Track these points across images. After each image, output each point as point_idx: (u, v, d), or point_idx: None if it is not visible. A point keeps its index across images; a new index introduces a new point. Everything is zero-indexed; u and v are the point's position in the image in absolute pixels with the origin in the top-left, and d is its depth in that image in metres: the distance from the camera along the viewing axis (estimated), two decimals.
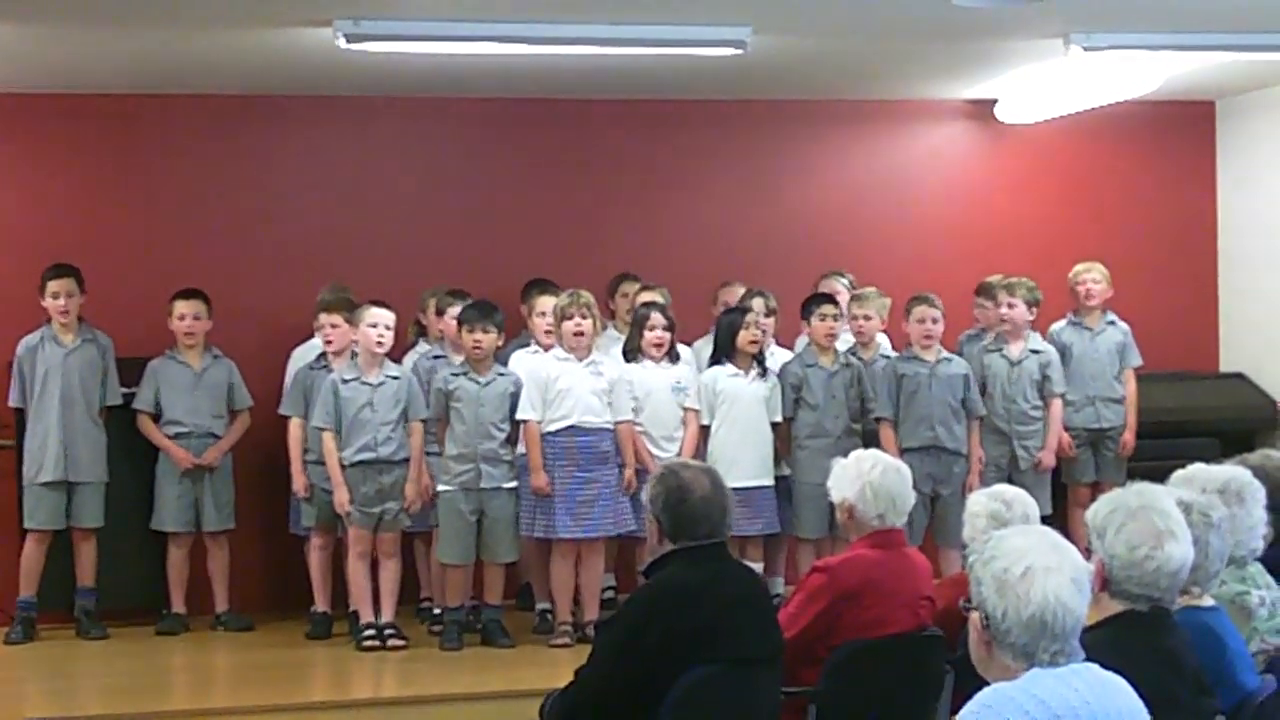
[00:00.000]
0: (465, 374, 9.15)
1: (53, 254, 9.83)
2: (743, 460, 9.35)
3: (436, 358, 9.79)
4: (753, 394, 9.55)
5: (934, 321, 9.73)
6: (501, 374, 9.20)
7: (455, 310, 9.65)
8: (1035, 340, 10.13)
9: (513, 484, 9.17)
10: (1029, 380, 10.02)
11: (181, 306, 9.83)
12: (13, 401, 9.73)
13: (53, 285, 9.65)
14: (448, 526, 9.14)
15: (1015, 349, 10.05)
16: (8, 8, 8.13)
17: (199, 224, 10.65)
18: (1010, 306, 10.01)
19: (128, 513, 9.84)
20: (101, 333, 9.80)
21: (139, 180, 10.62)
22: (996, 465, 9.84)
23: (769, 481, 9.55)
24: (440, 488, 9.16)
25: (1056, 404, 10.04)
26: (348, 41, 8.47)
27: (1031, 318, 10.07)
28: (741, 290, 10.21)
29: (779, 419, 9.61)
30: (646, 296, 9.83)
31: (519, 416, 9.16)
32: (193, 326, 9.83)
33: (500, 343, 9.27)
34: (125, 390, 9.84)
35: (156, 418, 9.83)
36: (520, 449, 9.24)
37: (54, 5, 8.18)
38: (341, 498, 9.14)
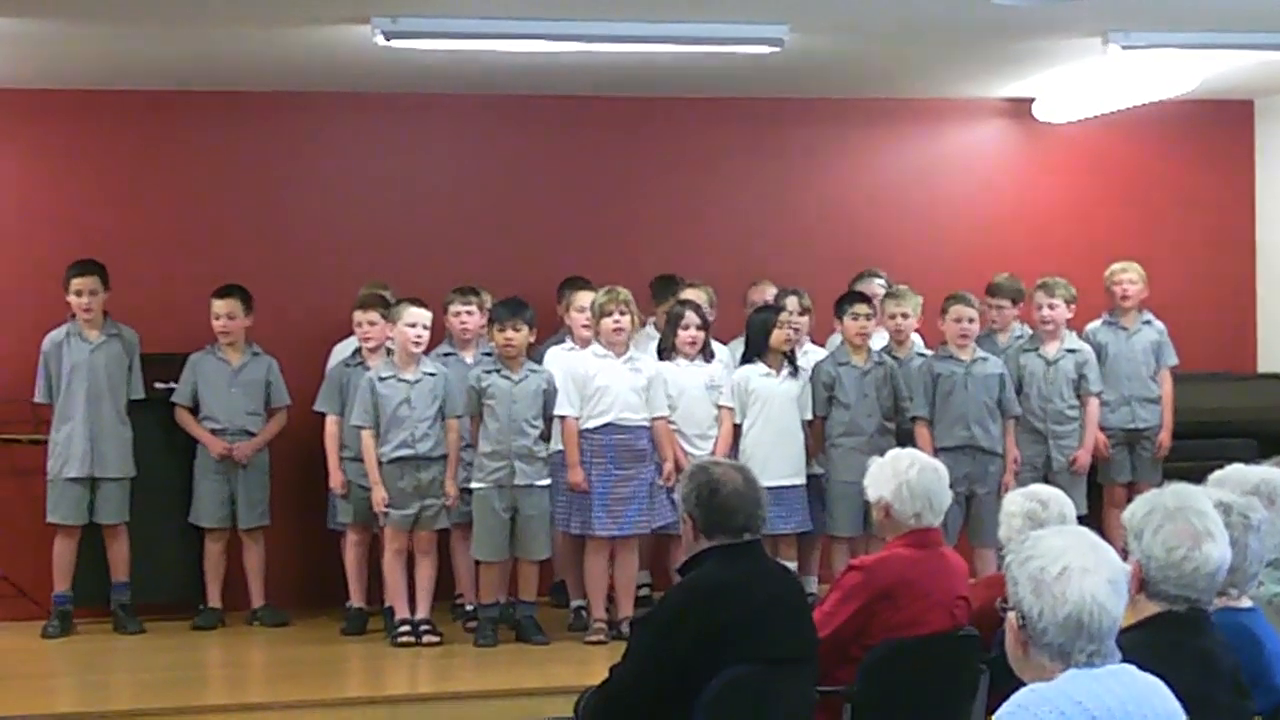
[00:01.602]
0: (497, 371, 9.15)
1: (90, 249, 9.87)
2: (775, 459, 9.33)
3: (447, 355, 9.78)
4: (784, 393, 9.54)
5: (970, 321, 9.70)
6: (534, 370, 9.21)
7: (455, 307, 9.68)
8: (1071, 339, 10.10)
9: (546, 481, 9.18)
10: (1065, 380, 9.98)
11: (217, 305, 9.86)
12: (39, 397, 9.76)
13: (76, 283, 9.67)
14: (481, 524, 9.15)
15: (1051, 348, 10.02)
16: (45, 4, 8.17)
17: (236, 220, 10.69)
18: (1051, 307, 9.99)
19: (164, 508, 9.90)
20: (127, 328, 9.84)
21: (176, 176, 10.66)
22: (1032, 465, 9.81)
23: (801, 480, 9.54)
24: (474, 485, 9.16)
25: (1093, 403, 10.00)
26: (386, 38, 8.48)
27: (1070, 316, 10.05)
28: (771, 288, 10.22)
29: (810, 417, 9.61)
30: (690, 294, 9.81)
31: (557, 413, 9.17)
32: (228, 325, 9.86)
33: (531, 339, 9.28)
34: (161, 385, 9.89)
35: (194, 412, 9.88)
36: (556, 445, 9.25)
37: (90, 1, 8.21)
38: (379, 497, 9.16)
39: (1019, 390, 9.88)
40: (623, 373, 9.19)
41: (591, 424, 9.16)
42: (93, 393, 9.67)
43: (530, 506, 9.14)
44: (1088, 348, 10.10)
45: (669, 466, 9.22)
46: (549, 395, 9.16)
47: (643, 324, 9.73)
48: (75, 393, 9.66)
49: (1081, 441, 9.95)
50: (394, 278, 10.11)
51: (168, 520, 9.91)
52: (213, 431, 9.84)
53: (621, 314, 9.18)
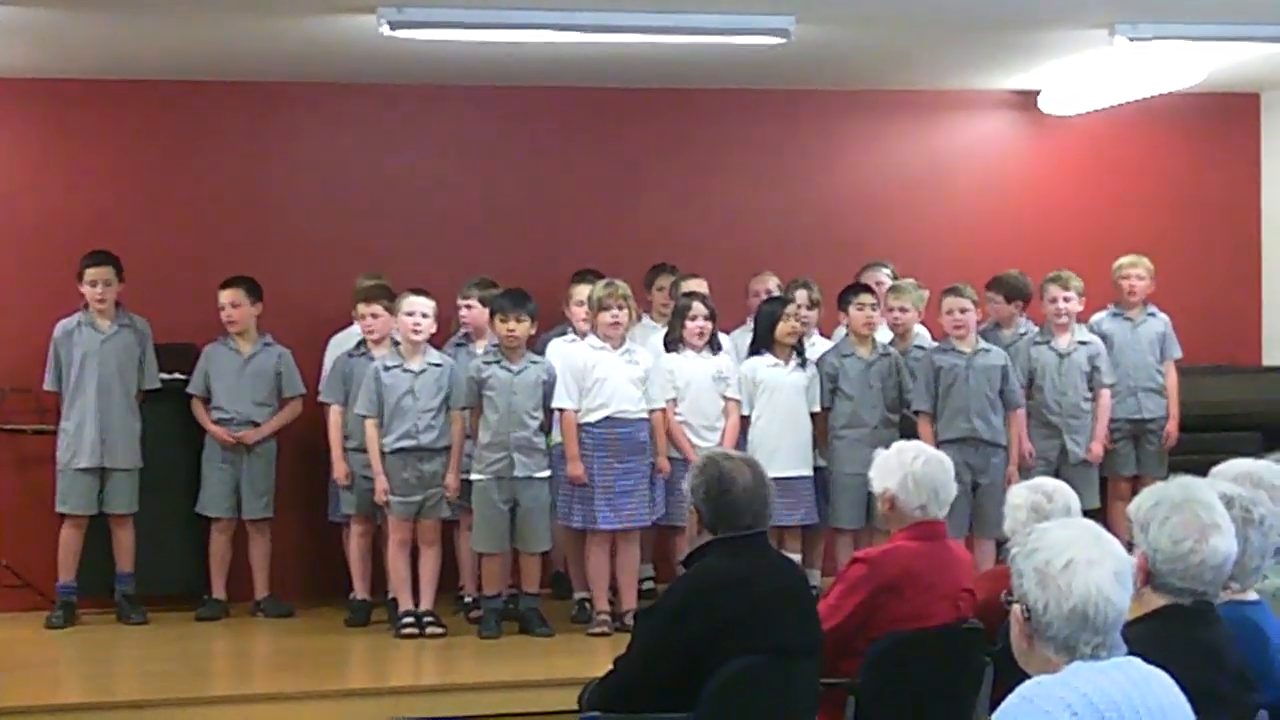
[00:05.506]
0: (498, 362, 9.14)
1: (97, 239, 9.89)
2: (783, 450, 9.32)
3: (459, 345, 9.79)
4: (792, 384, 9.53)
5: (963, 312, 9.59)
6: (534, 361, 9.19)
7: (471, 299, 9.69)
8: (1081, 332, 10.09)
9: (546, 473, 9.17)
10: (1079, 372, 9.96)
11: (222, 296, 9.87)
12: (48, 385, 9.77)
13: (91, 273, 9.68)
14: (481, 516, 9.14)
15: (1063, 341, 10.00)
16: None
17: (240, 210, 10.68)
18: (1065, 299, 9.98)
19: (170, 498, 9.90)
20: (139, 318, 9.84)
21: (181, 166, 10.66)
22: (1045, 458, 9.77)
23: (808, 471, 9.53)
24: (473, 476, 9.15)
25: (1105, 395, 9.98)
26: (391, 28, 8.46)
27: (1080, 309, 10.05)
28: (772, 279, 10.22)
29: (818, 409, 9.60)
30: (690, 285, 9.80)
31: (555, 405, 9.15)
32: (232, 315, 9.86)
33: (533, 331, 9.26)
34: (165, 376, 9.90)
35: (207, 402, 9.89)
36: (556, 437, 9.24)
37: None
38: (381, 487, 9.16)
39: (1030, 384, 9.88)
40: (619, 364, 9.17)
41: (591, 418, 9.14)
42: (104, 383, 9.67)
43: (529, 499, 9.12)
44: (1098, 339, 10.09)
45: (661, 460, 9.22)
46: (549, 386, 9.15)
47: (639, 318, 9.71)
48: (86, 382, 9.65)
49: (1094, 433, 9.93)
50: (399, 269, 10.09)
51: (172, 511, 9.91)
52: (218, 420, 9.84)
53: (620, 308, 9.15)
